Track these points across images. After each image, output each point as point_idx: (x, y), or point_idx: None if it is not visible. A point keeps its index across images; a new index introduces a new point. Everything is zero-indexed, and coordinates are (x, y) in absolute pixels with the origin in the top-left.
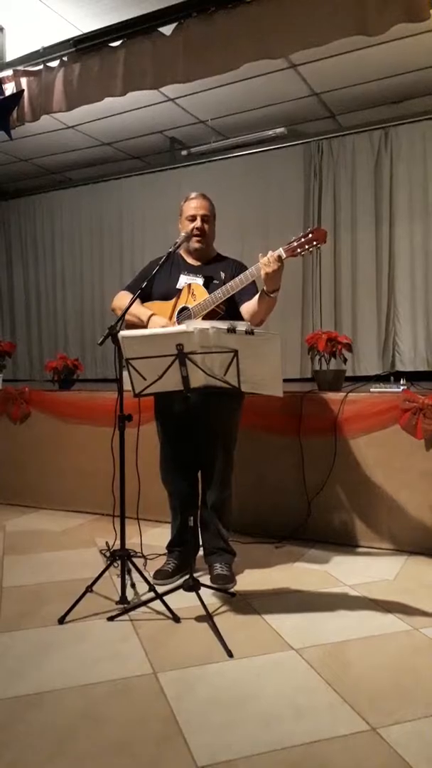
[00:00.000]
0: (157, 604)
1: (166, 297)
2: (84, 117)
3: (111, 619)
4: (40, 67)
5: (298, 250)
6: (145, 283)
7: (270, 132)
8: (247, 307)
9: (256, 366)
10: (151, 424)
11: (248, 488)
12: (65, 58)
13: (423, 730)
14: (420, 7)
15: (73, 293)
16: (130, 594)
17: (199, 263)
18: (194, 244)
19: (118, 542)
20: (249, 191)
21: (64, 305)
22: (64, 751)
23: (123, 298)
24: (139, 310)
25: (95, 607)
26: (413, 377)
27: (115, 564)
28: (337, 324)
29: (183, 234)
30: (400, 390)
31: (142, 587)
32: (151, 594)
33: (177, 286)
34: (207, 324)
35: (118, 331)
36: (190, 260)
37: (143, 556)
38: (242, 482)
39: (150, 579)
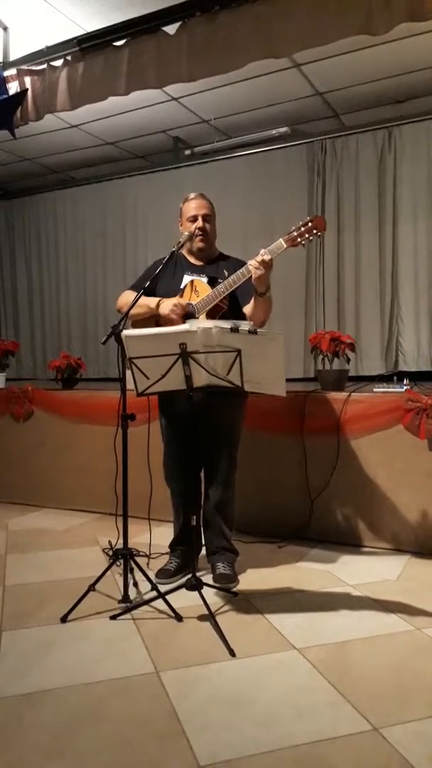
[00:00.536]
0: (159, 603)
1: (169, 297)
2: (87, 116)
3: (113, 617)
4: (44, 66)
5: (299, 240)
6: (149, 282)
7: (273, 131)
8: (248, 309)
9: (259, 365)
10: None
11: (251, 487)
12: (69, 57)
13: (425, 730)
14: (424, 6)
15: (77, 292)
16: (132, 593)
17: (202, 263)
18: (197, 244)
19: (120, 541)
20: (252, 190)
21: (68, 304)
22: (66, 750)
23: (128, 297)
24: (146, 299)
25: (98, 605)
26: (416, 377)
27: (118, 563)
28: (341, 324)
29: (185, 234)
30: (404, 390)
31: (144, 586)
32: (154, 593)
33: (180, 286)
34: (210, 323)
35: (121, 330)
36: (193, 260)
37: (146, 555)
38: (245, 481)
39: (152, 578)
